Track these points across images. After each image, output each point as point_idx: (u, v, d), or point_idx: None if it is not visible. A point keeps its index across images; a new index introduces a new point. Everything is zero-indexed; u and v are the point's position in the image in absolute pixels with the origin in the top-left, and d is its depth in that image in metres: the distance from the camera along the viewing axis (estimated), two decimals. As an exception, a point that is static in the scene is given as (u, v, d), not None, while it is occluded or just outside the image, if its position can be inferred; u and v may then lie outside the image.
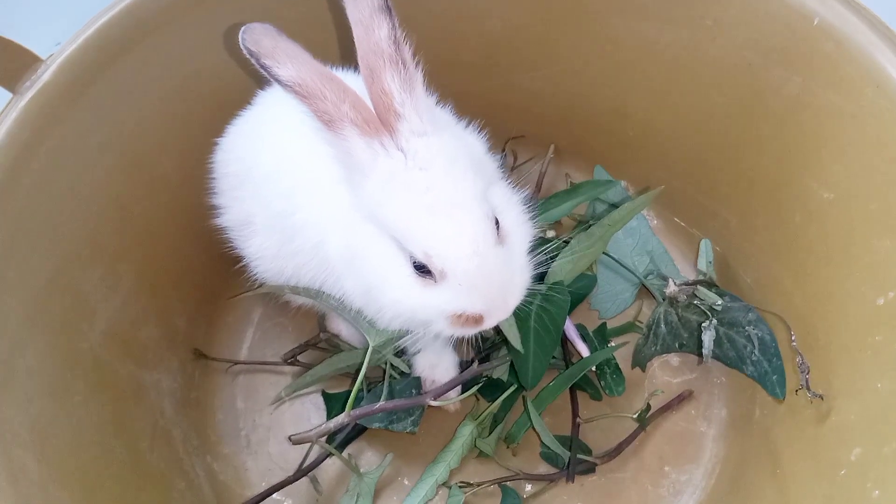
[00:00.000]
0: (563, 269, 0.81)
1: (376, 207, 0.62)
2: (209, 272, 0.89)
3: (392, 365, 0.82)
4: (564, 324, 0.81)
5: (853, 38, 0.70)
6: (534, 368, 0.80)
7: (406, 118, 0.61)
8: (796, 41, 0.74)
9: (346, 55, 0.82)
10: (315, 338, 0.90)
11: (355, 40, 0.61)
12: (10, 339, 0.67)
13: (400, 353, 0.83)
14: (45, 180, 0.71)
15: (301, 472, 0.83)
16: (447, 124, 0.70)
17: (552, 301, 0.79)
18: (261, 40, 0.60)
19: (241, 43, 0.60)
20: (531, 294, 0.75)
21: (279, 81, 0.59)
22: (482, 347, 0.89)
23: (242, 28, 0.60)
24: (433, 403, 0.78)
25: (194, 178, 0.86)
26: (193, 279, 0.90)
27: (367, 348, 0.76)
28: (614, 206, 0.95)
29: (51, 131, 0.71)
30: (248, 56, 0.60)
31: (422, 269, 0.62)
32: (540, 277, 0.81)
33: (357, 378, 0.77)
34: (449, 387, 0.81)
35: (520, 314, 0.78)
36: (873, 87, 0.69)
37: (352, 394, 0.76)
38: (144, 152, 0.81)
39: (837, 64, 0.71)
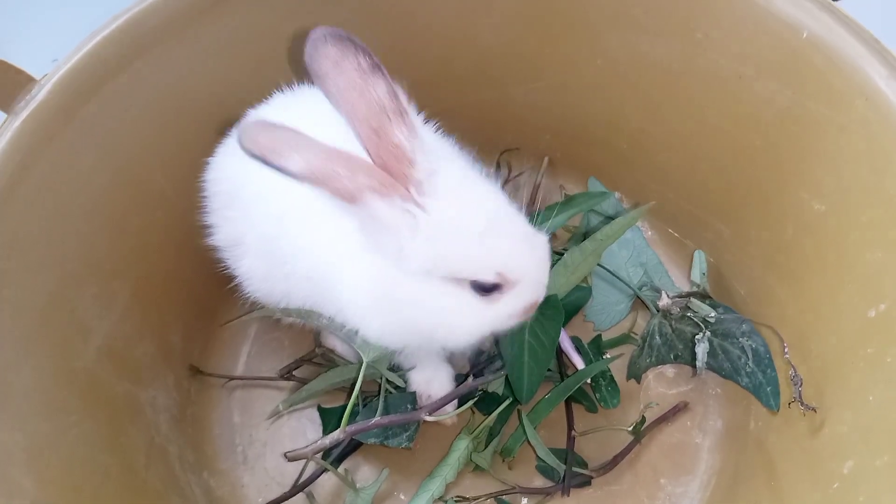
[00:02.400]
0: (557, 282, 0.82)
1: (428, 260, 0.61)
2: (205, 288, 0.90)
3: (387, 380, 0.82)
4: (559, 337, 0.81)
5: (842, 50, 0.70)
6: (529, 382, 0.80)
7: (418, 163, 0.60)
8: (786, 54, 0.74)
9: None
10: (311, 353, 0.90)
11: (345, 106, 0.59)
12: (5, 359, 0.67)
13: (394, 368, 0.84)
14: (40, 199, 0.71)
15: (297, 488, 0.83)
16: (437, 144, 0.69)
17: (546, 315, 0.79)
18: (257, 139, 0.56)
19: (240, 146, 0.57)
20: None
21: (293, 176, 0.56)
22: (478, 361, 0.89)
23: (239, 130, 0.57)
24: (429, 419, 0.78)
25: (189, 194, 0.86)
26: (189, 295, 0.91)
27: (362, 364, 0.77)
28: (609, 217, 0.96)
29: (45, 150, 0.71)
30: (253, 159, 0.57)
31: (488, 290, 0.63)
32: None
33: (352, 393, 0.78)
34: (444, 401, 0.81)
35: (513, 330, 0.79)
36: (863, 100, 0.69)
37: (347, 409, 0.76)
38: (139, 170, 0.81)
39: (827, 76, 0.71)
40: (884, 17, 0.87)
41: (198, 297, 0.91)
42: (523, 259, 0.64)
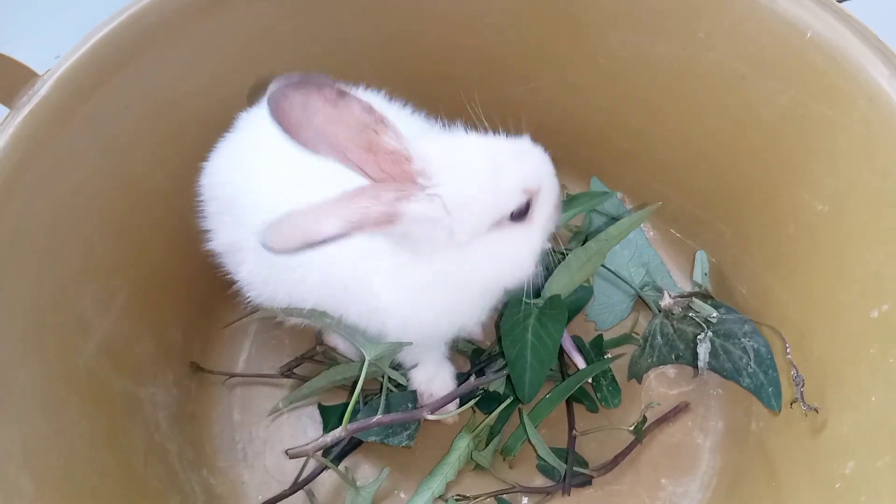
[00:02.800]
0: (560, 283, 0.82)
1: (472, 224, 0.64)
2: (205, 285, 0.89)
3: (389, 378, 0.82)
4: (562, 338, 0.81)
5: (845, 50, 0.70)
6: (531, 382, 0.79)
7: (414, 155, 0.61)
8: (789, 54, 0.74)
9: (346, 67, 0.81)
10: (311, 350, 0.90)
11: (331, 142, 0.59)
12: (4, 357, 0.66)
13: (396, 367, 0.83)
14: (40, 195, 0.71)
15: (297, 486, 0.83)
16: (408, 125, 0.68)
17: (549, 315, 0.79)
18: (284, 239, 0.55)
19: (278, 251, 0.56)
20: (528, 308, 0.76)
21: (342, 237, 0.56)
22: (478, 360, 0.89)
23: (265, 238, 0.55)
24: (430, 417, 0.78)
25: (189, 191, 0.86)
26: (189, 292, 0.90)
27: (364, 361, 0.76)
28: (612, 217, 0.96)
29: (46, 146, 0.71)
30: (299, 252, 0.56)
31: (524, 211, 0.67)
32: (536, 291, 0.81)
33: (354, 391, 0.77)
34: (446, 400, 0.81)
35: (516, 329, 0.79)
36: (865, 100, 0.69)
37: (349, 407, 0.76)
38: (139, 167, 0.81)
39: (829, 77, 0.71)
40: (887, 17, 0.86)
41: (197, 294, 0.91)
42: (530, 166, 0.68)
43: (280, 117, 0.58)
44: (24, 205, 0.69)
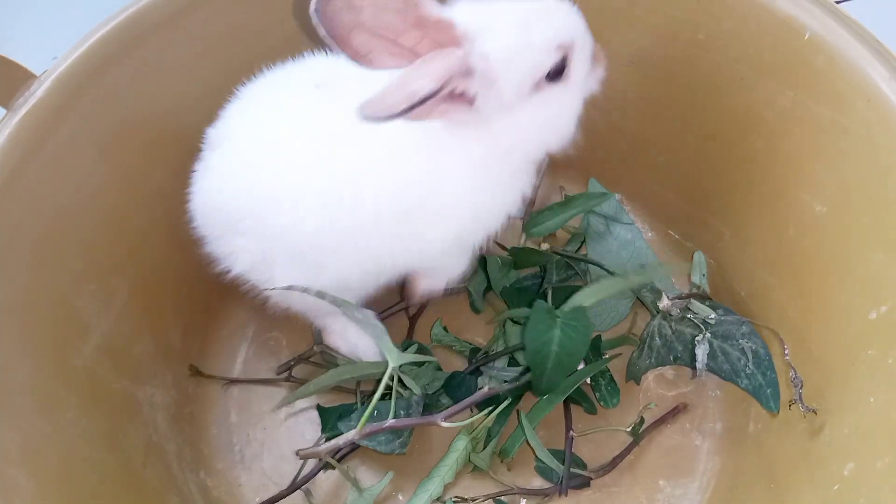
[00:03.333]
0: (587, 298, 0.80)
1: (515, 82, 0.64)
2: (204, 285, 0.89)
3: (399, 380, 0.81)
4: (585, 351, 0.80)
5: (844, 52, 0.70)
6: (546, 385, 0.80)
7: (456, 21, 0.62)
8: (788, 55, 0.74)
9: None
10: (309, 351, 0.90)
11: (384, 25, 0.59)
12: (3, 356, 0.66)
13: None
14: (38, 196, 0.71)
15: (295, 486, 0.83)
16: None
17: (574, 327, 0.78)
18: (389, 107, 0.57)
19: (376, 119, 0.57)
20: (552, 318, 0.77)
21: (434, 96, 0.58)
22: (475, 359, 0.89)
23: (362, 113, 0.57)
24: (444, 424, 0.76)
25: (189, 191, 0.86)
26: (188, 292, 0.90)
27: (385, 367, 0.75)
28: (610, 218, 0.96)
29: (44, 147, 0.71)
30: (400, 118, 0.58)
31: (561, 69, 0.66)
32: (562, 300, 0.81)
33: (375, 393, 0.75)
34: (460, 408, 0.80)
35: (544, 339, 0.78)
36: (864, 101, 0.69)
37: (367, 410, 0.74)
38: (138, 166, 0.81)
39: (829, 78, 0.71)
40: (885, 18, 0.86)
41: (196, 294, 0.91)
42: (561, 21, 0.66)
43: (331, 27, 0.58)
44: (22, 205, 0.69)
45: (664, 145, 0.91)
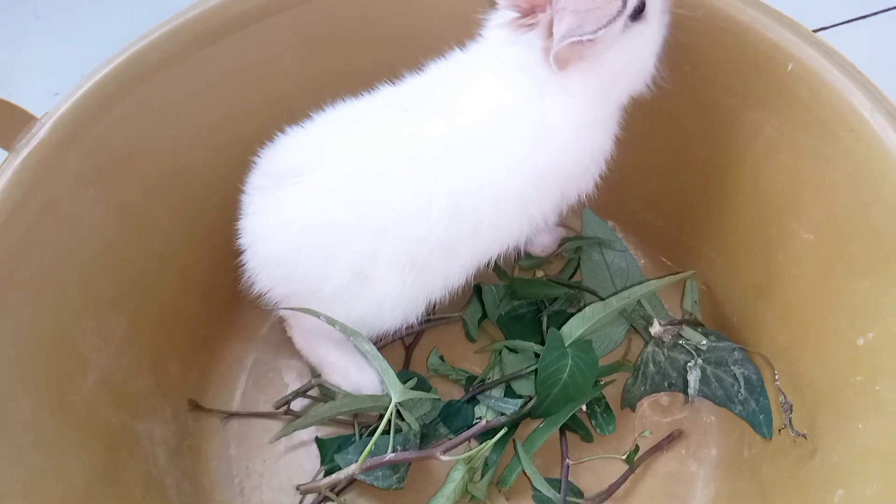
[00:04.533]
0: (574, 332, 0.84)
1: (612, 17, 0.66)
2: (202, 318, 0.91)
3: (398, 414, 0.81)
4: (591, 384, 0.83)
5: (827, 82, 0.71)
6: (544, 411, 0.83)
7: None
8: (772, 86, 0.75)
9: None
10: (307, 385, 0.90)
11: None
12: (3, 391, 0.67)
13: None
14: (39, 232, 0.72)
15: (295, 519, 0.83)
16: None
17: (584, 359, 0.82)
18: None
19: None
20: (561, 352, 0.81)
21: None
22: (471, 387, 0.90)
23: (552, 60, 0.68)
24: (444, 458, 0.77)
25: (188, 225, 0.88)
26: (186, 326, 0.91)
27: (385, 401, 0.77)
28: (604, 245, 0.97)
29: (45, 186, 0.72)
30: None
31: (641, 7, 0.70)
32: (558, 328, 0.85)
33: (373, 426, 0.76)
34: (458, 441, 0.81)
35: (556, 367, 0.82)
36: (848, 132, 0.70)
37: (370, 443, 0.75)
38: (138, 202, 0.83)
39: (812, 108, 0.73)
40: (865, 48, 0.88)
41: (195, 327, 0.92)
42: None
43: None
44: (22, 241, 0.70)
45: (654, 173, 0.92)
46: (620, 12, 0.64)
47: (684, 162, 0.88)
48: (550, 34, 0.68)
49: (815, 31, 0.75)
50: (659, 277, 0.92)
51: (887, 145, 0.67)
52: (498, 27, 0.73)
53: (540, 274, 0.99)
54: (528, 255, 0.98)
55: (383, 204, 0.71)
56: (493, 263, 0.82)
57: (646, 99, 0.86)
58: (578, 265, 0.98)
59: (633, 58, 0.73)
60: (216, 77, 0.84)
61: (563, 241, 0.98)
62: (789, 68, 0.73)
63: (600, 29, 0.64)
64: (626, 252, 0.97)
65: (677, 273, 0.90)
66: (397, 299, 0.76)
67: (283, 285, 0.76)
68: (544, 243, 0.97)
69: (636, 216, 0.98)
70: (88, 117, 0.75)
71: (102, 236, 0.79)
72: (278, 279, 0.76)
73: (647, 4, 0.71)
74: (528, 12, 0.70)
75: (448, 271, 0.78)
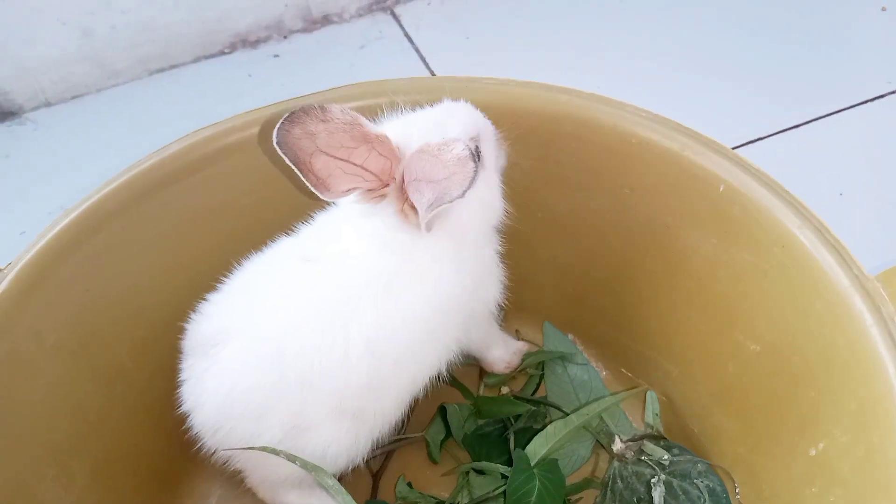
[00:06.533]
0: (538, 451, 0.86)
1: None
2: (165, 458, 0.90)
3: None
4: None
5: (757, 201, 0.75)
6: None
7: (389, 134, 0.71)
8: (707, 205, 0.79)
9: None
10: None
11: (337, 145, 0.68)
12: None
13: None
14: (-1, 384, 0.73)
15: None
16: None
17: (551, 480, 0.83)
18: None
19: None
20: (528, 474, 0.83)
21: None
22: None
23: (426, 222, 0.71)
24: None
25: (150, 364, 0.88)
26: (150, 466, 0.90)
27: None
28: (566, 359, 0.98)
29: (6, 338, 0.73)
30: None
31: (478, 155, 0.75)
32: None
33: None
34: None
35: (524, 491, 0.82)
36: (780, 248, 0.74)
37: None
38: (100, 346, 0.83)
39: (745, 226, 0.76)
40: (793, 158, 0.92)
41: (158, 468, 0.91)
42: (463, 117, 0.76)
43: (293, 155, 0.66)
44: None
45: (606, 288, 0.95)
46: (476, 171, 0.65)
47: (633, 276, 0.91)
48: (404, 197, 0.70)
49: (742, 145, 0.80)
50: (620, 391, 0.95)
51: (818, 260, 0.71)
52: (349, 203, 0.75)
53: (506, 390, 1.00)
54: (492, 374, 0.99)
55: (300, 357, 0.72)
56: (446, 380, 0.83)
57: (591, 218, 0.90)
58: (541, 379, 0.99)
59: (483, 202, 0.77)
60: (175, 218, 0.86)
61: (526, 356, 0.99)
62: (721, 189, 0.77)
63: (466, 191, 0.65)
64: (588, 365, 0.99)
65: (636, 386, 0.92)
66: (339, 445, 0.76)
67: (228, 445, 0.76)
68: (504, 359, 0.98)
69: (594, 329, 1.00)
70: (49, 267, 0.77)
71: (63, 385, 0.79)
72: (220, 441, 0.76)
73: (482, 154, 0.76)
74: (376, 187, 0.72)
75: (383, 408, 0.78)
